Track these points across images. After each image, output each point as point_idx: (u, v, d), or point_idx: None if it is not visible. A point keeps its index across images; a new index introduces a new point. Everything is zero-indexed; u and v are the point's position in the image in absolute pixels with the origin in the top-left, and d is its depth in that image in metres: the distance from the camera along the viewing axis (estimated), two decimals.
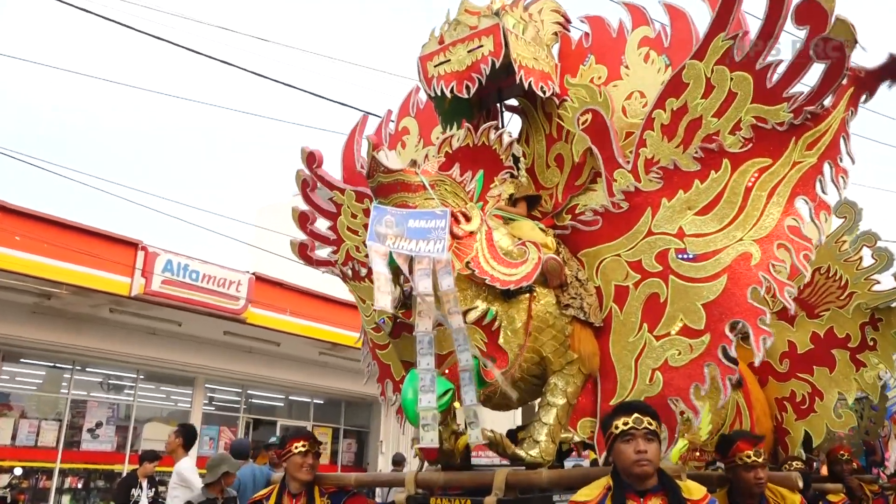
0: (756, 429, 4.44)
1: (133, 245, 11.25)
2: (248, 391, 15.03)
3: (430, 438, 2.84)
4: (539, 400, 3.38)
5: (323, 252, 4.43)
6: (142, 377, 13.27)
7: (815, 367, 4.79)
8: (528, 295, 3.26)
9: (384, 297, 2.79)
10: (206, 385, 14.22)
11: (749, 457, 3.50)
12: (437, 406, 2.82)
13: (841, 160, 3.11)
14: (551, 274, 3.29)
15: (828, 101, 3.03)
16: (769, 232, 3.10)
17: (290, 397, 15.96)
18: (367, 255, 3.96)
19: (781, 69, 3.07)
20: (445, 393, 2.95)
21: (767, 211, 3.11)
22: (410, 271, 2.89)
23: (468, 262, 3.10)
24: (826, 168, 3.09)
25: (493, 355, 3.15)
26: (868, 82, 3.15)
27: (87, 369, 12.64)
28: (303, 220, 4.44)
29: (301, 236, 4.49)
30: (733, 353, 3.08)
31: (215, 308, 11.94)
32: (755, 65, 3.12)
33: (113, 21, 7.90)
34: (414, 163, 3.09)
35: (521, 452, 3.16)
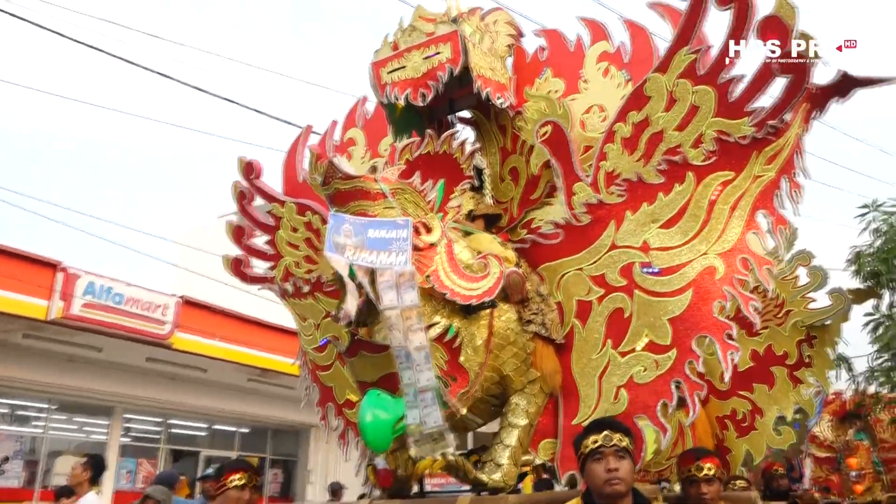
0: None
1: (51, 266, 10.61)
2: (170, 420, 14.33)
3: (431, 449, 2.72)
4: (499, 421, 3.23)
5: (258, 268, 4.18)
6: (54, 407, 12.46)
7: (754, 384, 4.80)
8: (488, 311, 3.12)
9: (353, 301, 2.63)
10: (125, 415, 13.47)
11: (689, 471, 3.45)
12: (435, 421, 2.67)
13: (796, 175, 3.16)
14: (513, 289, 3.17)
15: (787, 116, 3.05)
16: (732, 245, 3.09)
17: (214, 426, 15.30)
18: (307, 272, 3.77)
19: (743, 83, 3.07)
20: (402, 418, 2.77)
21: (730, 224, 3.10)
22: (372, 284, 2.72)
23: (428, 276, 2.95)
24: (783, 183, 3.11)
25: (454, 374, 2.99)
26: (820, 99, 3.21)
27: None
28: (238, 234, 4.18)
29: (235, 252, 4.24)
30: (700, 368, 3.02)
31: (140, 333, 11.36)
32: (717, 78, 3.11)
33: (28, 21, 7.45)
34: (374, 169, 2.93)
35: (483, 477, 3.00)
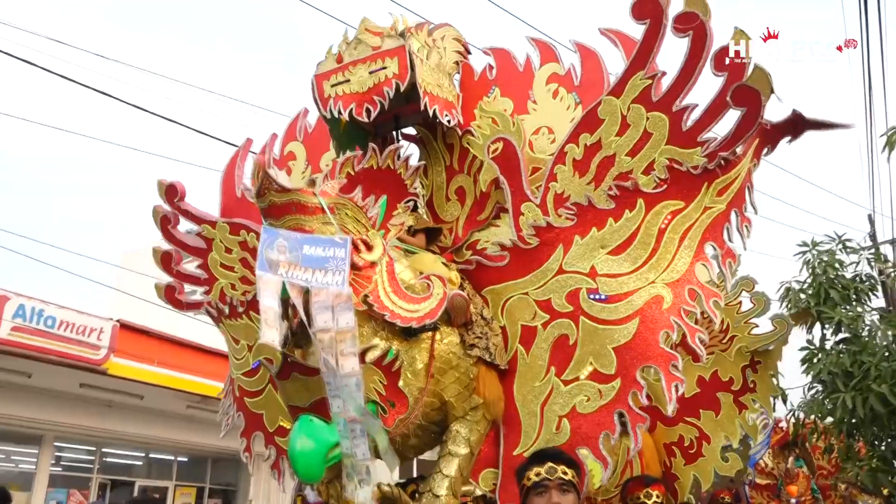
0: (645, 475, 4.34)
1: None
2: (104, 449, 13.70)
3: (365, 495, 2.54)
4: (439, 449, 3.08)
5: (193, 293, 3.96)
6: None
7: (701, 410, 4.77)
8: (430, 333, 2.99)
9: (271, 332, 2.44)
10: (55, 443, 12.83)
11: (638, 498, 3.38)
12: (363, 455, 2.51)
13: (746, 209, 3.13)
14: (457, 311, 3.05)
15: (739, 150, 3.03)
16: (681, 276, 3.03)
17: (151, 455, 14.68)
18: (244, 293, 3.58)
19: (697, 113, 3.04)
20: (336, 446, 2.60)
21: (679, 254, 3.05)
22: (305, 304, 2.56)
23: (366, 296, 2.80)
24: (733, 216, 3.08)
25: (392, 399, 2.85)
26: (772, 136, 3.21)
27: None
28: (166, 260, 3.94)
29: (167, 279, 4.00)
30: (644, 400, 2.93)
31: (73, 358, 10.83)
32: (672, 106, 3.07)
33: None
34: (312, 182, 2.78)
35: None
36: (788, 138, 3.23)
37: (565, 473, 2.32)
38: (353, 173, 2.96)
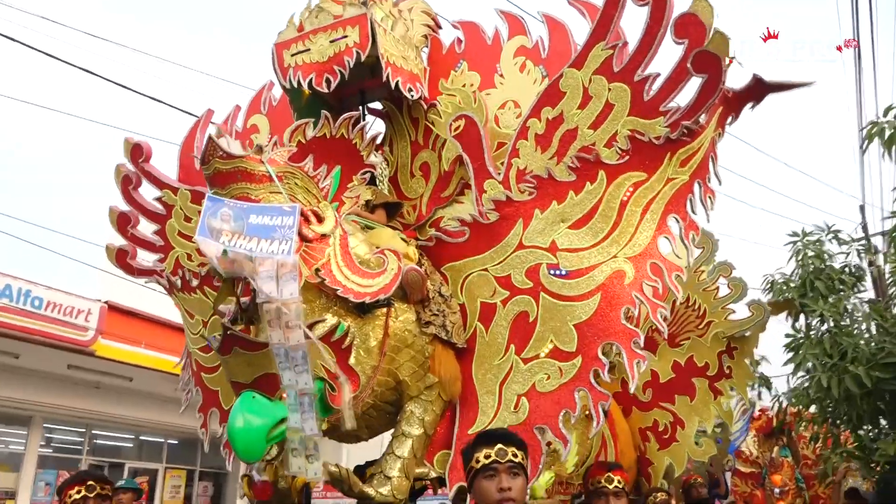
0: (620, 459, 4.32)
1: None
2: (93, 431, 13.67)
3: (298, 466, 2.45)
4: (392, 430, 3.01)
5: (146, 260, 3.86)
6: None
7: (676, 395, 4.74)
8: (384, 310, 2.91)
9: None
10: (45, 425, 12.81)
11: (599, 482, 3.34)
12: (311, 429, 2.43)
13: (709, 180, 3.05)
14: (412, 287, 2.96)
15: (702, 119, 2.94)
16: (643, 250, 2.96)
17: (141, 437, 14.67)
18: (200, 264, 3.49)
19: (659, 82, 2.95)
20: (282, 421, 2.52)
21: (641, 227, 2.97)
22: (252, 275, 2.47)
23: (318, 269, 2.72)
24: (696, 187, 3.00)
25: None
26: (734, 104, 3.13)
27: None
28: (122, 222, 3.81)
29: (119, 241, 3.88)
30: (606, 377, 2.86)
31: (60, 339, 10.79)
32: (633, 76, 2.99)
33: None
34: (259, 150, 2.68)
35: (370, 490, 2.76)
36: (751, 104, 3.15)
37: (515, 455, 2.19)
38: (304, 142, 2.84)
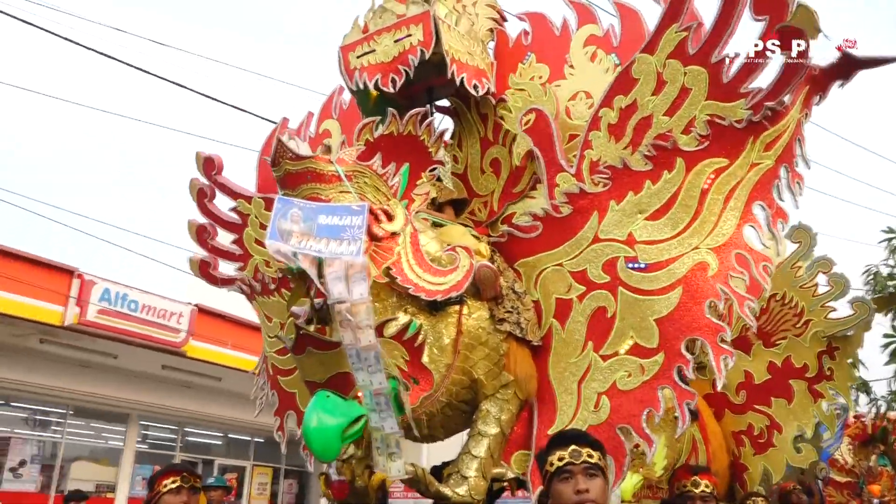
0: (712, 464, 4.14)
1: (68, 272, 10.65)
2: (185, 429, 14.27)
3: (382, 464, 2.43)
4: (468, 430, 2.96)
5: (227, 269, 3.94)
6: (71, 413, 12.44)
7: (772, 398, 4.51)
8: (457, 307, 2.86)
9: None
10: (141, 422, 13.44)
11: (685, 486, 3.22)
12: (391, 427, 2.40)
13: (797, 165, 2.88)
14: (485, 284, 2.91)
15: (786, 99, 2.78)
16: (727, 240, 2.81)
17: (229, 435, 15.21)
18: (277, 270, 3.55)
19: (739, 63, 2.81)
20: (358, 419, 2.51)
21: (724, 216, 2.82)
22: (320, 276, 2.47)
23: (389, 268, 2.70)
24: (782, 172, 2.84)
25: (416, 376, 2.74)
26: (821, 82, 2.94)
27: (12, 403, 11.82)
28: (201, 234, 3.91)
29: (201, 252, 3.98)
30: (691, 374, 2.73)
31: (154, 340, 11.38)
32: (710, 58, 2.85)
33: (43, 30, 7.43)
34: (328, 150, 2.69)
35: (447, 490, 2.72)
36: (840, 82, 2.94)
37: (591, 456, 2.11)
38: (371, 140, 2.83)
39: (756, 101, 2.75)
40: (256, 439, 15.39)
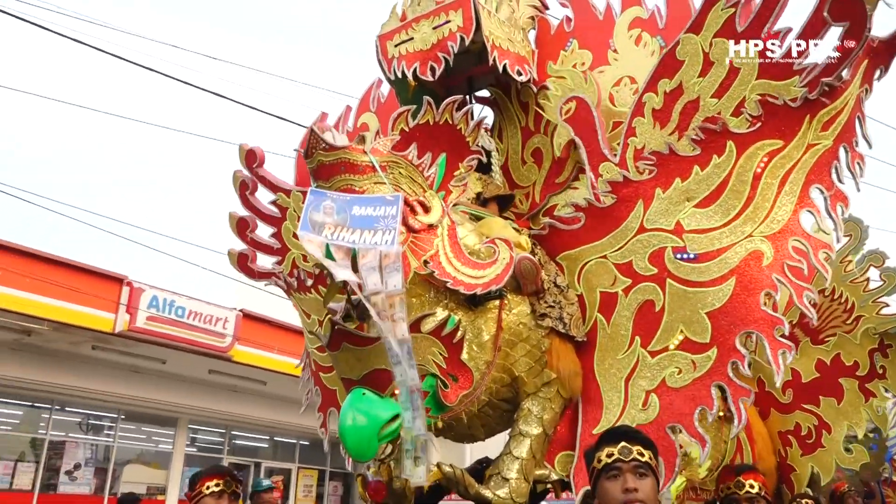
0: (758, 465, 3.93)
1: (118, 280, 10.88)
2: (232, 432, 14.43)
3: (407, 468, 2.29)
4: (509, 430, 2.85)
5: (266, 263, 3.88)
6: (122, 417, 12.71)
7: (821, 397, 4.31)
8: (497, 302, 2.75)
9: (344, 271, 2.24)
10: (190, 426, 13.65)
11: (729, 488, 3.06)
12: (419, 429, 2.28)
13: (857, 144, 2.70)
14: (526, 277, 2.79)
15: (845, 74, 2.60)
16: (782, 226, 2.64)
17: (275, 438, 15.34)
18: (315, 265, 3.47)
19: (791, 38, 2.64)
20: (395, 418, 2.41)
21: (779, 202, 2.65)
22: (354, 268, 2.38)
23: (426, 261, 2.60)
24: (842, 152, 2.66)
25: (455, 373, 2.63)
26: (882, 55, 2.74)
27: (67, 409, 12.12)
28: (241, 227, 3.86)
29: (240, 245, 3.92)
30: (746, 370, 2.57)
31: (201, 345, 11.56)
32: (760, 34, 2.68)
33: (92, 47, 7.57)
34: (362, 139, 2.60)
35: (487, 493, 2.61)
36: None
37: (641, 454, 1.99)
38: (407, 130, 2.73)
39: (811, 77, 2.59)
40: (302, 442, 15.49)
